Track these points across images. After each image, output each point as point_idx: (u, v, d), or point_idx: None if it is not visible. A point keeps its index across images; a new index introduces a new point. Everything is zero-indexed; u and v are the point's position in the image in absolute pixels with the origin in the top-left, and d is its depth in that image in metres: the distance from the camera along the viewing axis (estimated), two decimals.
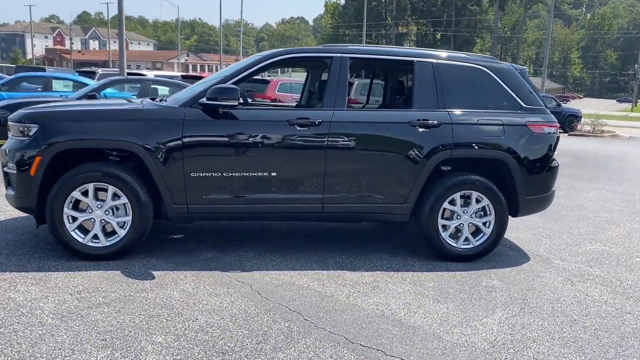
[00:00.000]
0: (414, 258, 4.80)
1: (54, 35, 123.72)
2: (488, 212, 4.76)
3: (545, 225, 6.30)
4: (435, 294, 3.99)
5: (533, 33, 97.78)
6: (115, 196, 4.28)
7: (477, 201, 4.73)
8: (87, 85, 12.03)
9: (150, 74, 21.44)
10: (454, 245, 4.74)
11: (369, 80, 8.04)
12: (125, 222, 4.32)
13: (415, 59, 4.75)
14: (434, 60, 4.77)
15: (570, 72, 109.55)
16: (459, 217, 4.72)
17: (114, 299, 3.59)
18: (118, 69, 17.58)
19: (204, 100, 4.31)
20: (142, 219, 4.29)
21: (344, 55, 4.63)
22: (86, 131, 4.20)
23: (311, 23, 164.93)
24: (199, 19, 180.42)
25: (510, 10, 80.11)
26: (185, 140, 4.26)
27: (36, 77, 13.42)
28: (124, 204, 4.29)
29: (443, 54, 4.90)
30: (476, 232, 4.81)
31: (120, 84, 11.53)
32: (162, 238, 4.99)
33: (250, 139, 4.36)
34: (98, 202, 4.27)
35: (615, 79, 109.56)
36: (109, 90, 11.49)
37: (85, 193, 4.23)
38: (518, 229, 5.95)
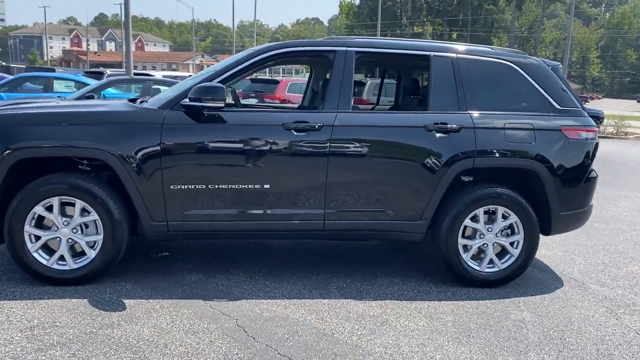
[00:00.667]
0: (429, 283, 4.16)
1: (71, 36, 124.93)
2: (516, 231, 4.11)
3: (577, 240, 5.61)
4: (455, 332, 3.36)
5: (551, 33, 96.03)
6: (84, 212, 3.71)
7: (504, 218, 4.08)
8: (88, 85, 11.56)
9: (159, 75, 21.03)
10: (477, 268, 4.09)
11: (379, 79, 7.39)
12: (95, 242, 3.74)
13: (432, 53, 4.11)
14: (453, 55, 4.13)
15: (589, 72, 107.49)
16: (482, 236, 4.07)
17: (71, 338, 3.01)
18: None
19: (186, 101, 3.72)
20: (115, 237, 3.72)
21: (348, 49, 4.01)
22: (48, 136, 3.63)
23: (326, 24, 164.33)
24: (214, 20, 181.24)
25: (527, 10, 78.70)
26: (163, 147, 3.68)
27: (38, 77, 12.98)
28: (94, 221, 3.72)
29: (463, 47, 4.25)
30: (502, 253, 4.16)
31: (120, 84, 11.03)
32: (143, 255, 4.42)
33: (240, 146, 3.77)
34: (64, 219, 3.70)
35: (635, 79, 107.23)
36: (109, 90, 11.03)
37: (49, 208, 3.67)
38: (547, 246, 5.28)
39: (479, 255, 4.13)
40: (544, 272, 4.57)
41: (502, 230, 4.11)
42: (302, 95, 15.75)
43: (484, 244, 4.08)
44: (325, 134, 3.82)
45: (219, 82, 3.81)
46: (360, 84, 13.90)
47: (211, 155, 3.77)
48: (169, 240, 4.32)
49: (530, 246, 4.12)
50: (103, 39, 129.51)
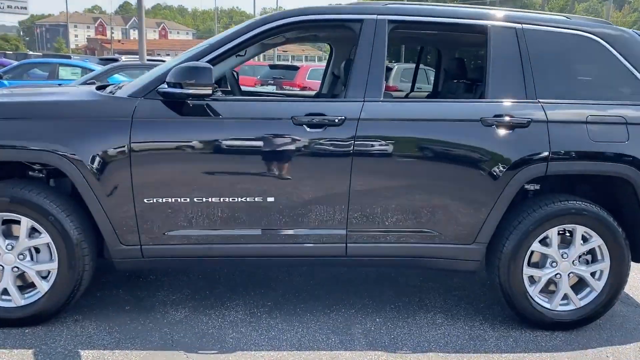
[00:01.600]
0: (483, 324, 3.20)
1: (96, 25, 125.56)
2: (599, 257, 3.11)
3: None
4: None
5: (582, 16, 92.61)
6: (33, 232, 2.85)
7: (584, 240, 3.09)
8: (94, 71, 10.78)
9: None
10: (547, 306, 3.11)
11: (411, 64, 6.33)
12: (49, 271, 2.88)
13: (489, 23, 3.11)
14: (518, 25, 3.11)
15: None
16: (554, 264, 3.08)
17: None
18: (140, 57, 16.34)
19: (163, 87, 2.81)
20: (74, 265, 2.84)
21: (379, 17, 3.03)
22: None
23: None
24: (237, 7, 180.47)
25: None
26: (134, 148, 2.77)
27: (42, 63, 12.26)
28: (47, 244, 2.85)
29: (531, 15, 3.24)
30: (580, 286, 3.17)
31: (127, 70, 10.19)
32: (119, 278, 3.54)
33: (235, 146, 2.85)
34: (8, 242, 2.84)
35: None
36: (116, 76, 10.22)
37: None
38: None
39: (547, 288, 3.15)
40: (630, 307, 3.55)
41: (580, 257, 3.12)
42: None
43: (556, 275, 3.10)
44: (348, 130, 2.87)
45: (207, 61, 2.87)
46: (386, 69, 12.85)
47: (197, 159, 2.86)
48: (143, 269, 3.45)
49: (618, 277, 3.11)
50: (127, 27, 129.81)
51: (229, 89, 4.10)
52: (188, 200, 2.86)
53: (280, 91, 4.29)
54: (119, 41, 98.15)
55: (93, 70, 11.32)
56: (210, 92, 2.74)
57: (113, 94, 3.05)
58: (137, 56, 20.76)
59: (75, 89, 3.42)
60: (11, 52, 26.83)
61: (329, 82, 4.58)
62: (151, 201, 2.83)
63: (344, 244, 2.99)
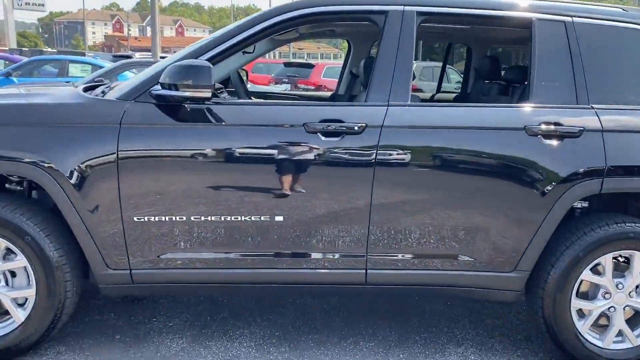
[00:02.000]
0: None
1: (113, 22, 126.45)
2: None
3: None
4: None
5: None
6: (8, 254, 2.49)
7: None
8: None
9: None
10: (598, 344, 2.68)
11: (429, 62, 5.89)
12: (27, 298, 2.52)
13: (535, 16, 2.68)
14: (568, 18, 2.68)
15: None
16: (607, 295, 2.65)
17: None
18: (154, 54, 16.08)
19: (156, 88, 2.43)
20: (54, 291, 2.48)
21: (407, 8, 2.61)
22: None
23: None
24: (253, 5, 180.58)
25: None
26: (122, 158, 2.40)
27: (52, 60, 12.02)
28: (24, 267, 2.49)
29: (583, 7, 2.80)
30: (636, 320, 2.73)
31: (137, 67, 9.89)
32: (113, 300, 3.17)
33: (238, 157, 2.46)
34: None
35: None
36: (126, 73, 9.92)
37: None
38: None
39: (597, 322, 2.72)
40: None
41: (638, 288, 2.69)
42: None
43: (609, 308, 2.66)
44: (369, 139, 2.47)
45: (208, 59, 2.49)
46: None
47: (195, 172, 2.48)
48: (133, 296, 3.08)
49: None
50: (144, 24, 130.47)
51: (234, 90, 3.72)
52: (184, 218, 2.48)
53: (292, 92, 3.87)
54: (136, 38, 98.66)
55: (102, 67, 11.06)
56: (209, 94, 2.35)
57: (103, 95, 2.68)
58: (149, 54, 20.56)
59: (60, 90, 3.06)
60: (27, 49, 26.74)
61: (346, 82, 4.18)
62: (142, 220, 2.46)
63: (364, 270, 2.60)
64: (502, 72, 3.77)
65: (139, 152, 2.43)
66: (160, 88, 2.41)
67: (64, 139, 2.40)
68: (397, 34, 2.58)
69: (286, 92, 4.87)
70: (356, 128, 2.46)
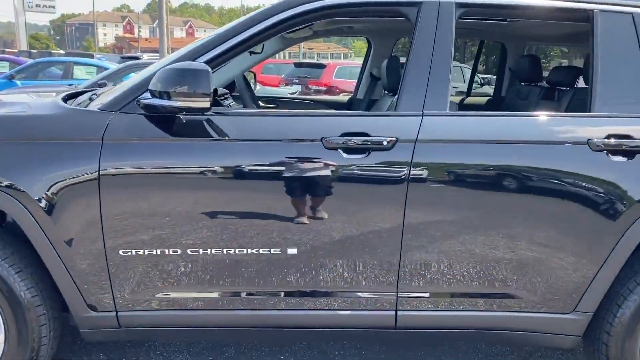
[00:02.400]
0: None
1: (124, 24, 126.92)
2: None
3: None
4: None
5: None
6: None
7: None
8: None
9: None
10: None
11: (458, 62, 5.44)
12: None
13: (596, 7, 2.24)
14: (636, 10, 2.25)
15: None
16: None
17: None
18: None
19: (147, 97, 2.03)
20: (25, 337, 2.09)
21: None
22: None
23: None
24: (264, 5, 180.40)
25: None
26: (105, 180, 2.00)
27: (56, 62, 11.72)
28: None
29: None
30: None
31: (143, 68, 9.56)
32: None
33: (243, 179, 2.06)
34: None
35: None
36: (132, 75, 9.58)
37: None
38: None
39: None
40: None
41: None
42: (352, 80, 13.19)
43: None
44: (401, 156, 2.05)
45: (206, 61, 2.08)
46: None
47: (192, 197, 2.07)
48: (120, 340, 2.67)
49: None
50: (155, 25, 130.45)
51: (239, 94, 3.31)
52: (179, 251, 2.08)
53: (305, 97, 3.43)
54: (147, 39, 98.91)
55: (107, 69, 10.73)
56: (207, 104, 1.94)
57: (88, 103, 2.29)
58: (157, 54, 20.26)
59: (37, 99, 2.67)
60: (36, 51, 26.56)
61: (365, 85, 3.76)
62: (129, 253, 2.06)
63: (394, 312, 2.18)
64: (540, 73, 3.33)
65: (125, 173, 2.03)
66: (150, 96, 2.01)
67: (34, 158, 2.01)
68: (432, 29, 2.16)
69: (298, 97, 4.43)
70: (385, 143, 2.05)
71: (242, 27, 2.15)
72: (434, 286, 2.16)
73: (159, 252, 2.07)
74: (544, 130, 2.15)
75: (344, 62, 17.28)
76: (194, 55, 2.11)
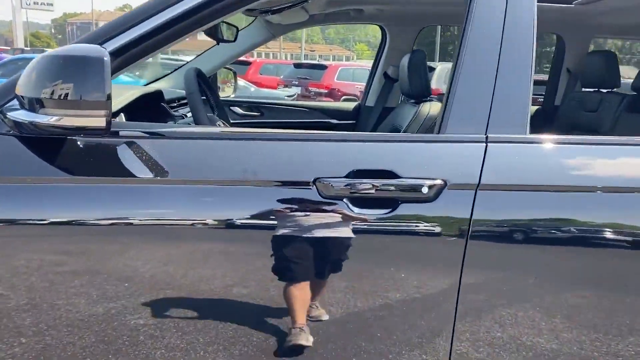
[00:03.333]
0: None
1: None
2: None
3: None
4: None
5: None
6: None
7: None
8: None
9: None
10: None
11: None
12: None
13: None
14: None
15: None
16: None
17: None
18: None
19: (14, 107, 1.16)
20: None
21: None
22: None
23: None
24: None
25: None
26: None
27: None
28: None
29: None
30: None
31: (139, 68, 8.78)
32: None
33: (181, 244, 1.19)
34: None
35: None
36: (121, 77, 8.79)
37: None
38: None
39: None
40: None
41: None
42: (354, 83, 12.45)
43: None
44: (451, 210, 1.19)
45: (116, 49, 1.21)
46: (428, 69, 11.12)
47: (91, 278, 1.21)
48: None
49: None
50: None
51: (204, 95, 2.40)
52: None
53: (299, 104, 2.56)
54: None
55: None
56: (103, 122, 1.08)
57: None
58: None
59: None
60: (29, 48, 25.71)
61: (378, 89, 2.89)
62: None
63: None
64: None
65: None
66: (18, 106, 1.15)
67: None
68: (501, 14, 1.30)
69: (287, 102, 3.50)
70: (424, 190, 1.18)
71: None
72: None
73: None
74: None
75: (346, 63, 16.47)
76: (96, 38, 1.24)
